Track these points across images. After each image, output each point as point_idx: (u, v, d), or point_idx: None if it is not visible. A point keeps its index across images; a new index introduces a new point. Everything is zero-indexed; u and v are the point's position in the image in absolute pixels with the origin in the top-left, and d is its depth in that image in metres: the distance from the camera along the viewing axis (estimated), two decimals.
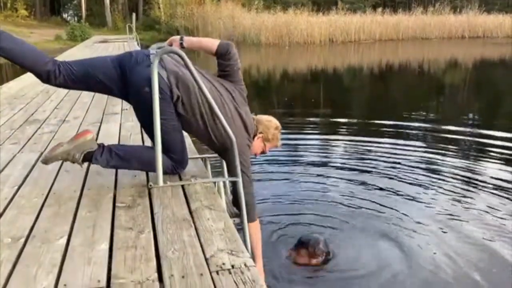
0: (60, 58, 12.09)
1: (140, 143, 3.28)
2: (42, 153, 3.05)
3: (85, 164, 2.46)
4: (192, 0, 36.28)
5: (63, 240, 1.79)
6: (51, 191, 2.35)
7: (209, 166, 2.89)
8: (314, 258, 3.10)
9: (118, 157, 2.35)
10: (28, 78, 7.54)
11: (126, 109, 4.58)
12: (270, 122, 2.67)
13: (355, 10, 35.52)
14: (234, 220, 2.36)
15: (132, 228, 1.90)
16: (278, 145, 2.72)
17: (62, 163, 2.71)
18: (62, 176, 2.56)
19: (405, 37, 32.20)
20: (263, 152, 2.70)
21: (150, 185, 2.35)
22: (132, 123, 3.96)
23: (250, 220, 2.46)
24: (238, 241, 1.79)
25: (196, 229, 1.89)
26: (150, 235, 1.84)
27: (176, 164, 2.48)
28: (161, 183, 2.35)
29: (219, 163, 2.92)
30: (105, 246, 1.75)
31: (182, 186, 2.38)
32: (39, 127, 3.89)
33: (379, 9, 33.83)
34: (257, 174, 4.93)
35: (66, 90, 6.07)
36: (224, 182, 2.77)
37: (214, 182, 2.54)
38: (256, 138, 2.61)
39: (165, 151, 2.35)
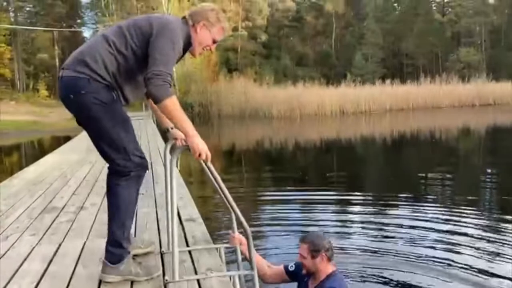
0: (78, 137, 12.30)
1: (156, 232, 3.31)
2: (60, 245, 3.09)
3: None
4: (206, 77, 37.66)
5: None
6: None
7: (223, 256, 2.90)
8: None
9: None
10: (46, 162, 7.76)
11: (142, 194, 4.65)
12: (203, 7, 2.55)
13: (364, 81, 36.44)
14: None
15: None
16: (224, 26, 2.55)
17: (78, 258, 2.75)
18: (79, 271, 2.58)
19: (415, 107, 32.69)
20: (214, 42, 2.54)
21: (166, 280, 2.36)
22: (148, 209, 4.02)
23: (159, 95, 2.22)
24: None
25: None
26: None
27: (121, 167, 2.39)
28: (177, 277, 2.35)
29: (233, 253, 2.94)
30: None
31: (198, 281, 2.38)
32: (57, 216, 3.95)
33: (388, 81, 34.62)
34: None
35: (83, 174, 6.21)
36: (239, 275, 2.76)
37: (230, 276, 2.54)
38: (199, 29, 2.47)
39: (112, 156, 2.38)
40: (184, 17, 2.51)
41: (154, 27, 2.31)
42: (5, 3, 49.08)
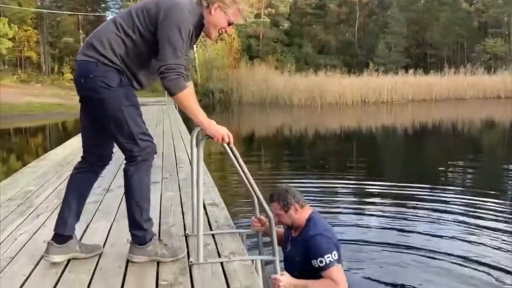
0: None
1: (180, 215, 3.40)
2: (87, 225, 3.20)
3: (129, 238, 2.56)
4: (228, 64, 37.65)
5: None
6: (98, 266, 2.46)
7: (245, 241, 2.97)
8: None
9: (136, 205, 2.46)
10: (71, 145, 7.93)
11: (167, 178, 4.76)
12: None
13: (386, 71, 36.00)
14: None
15: None
16: (240, 8, 2.46)
17: (106, 238, 2.84)
18: (107, 251, 2.68)
19: (438, 98, 32.21)
20: (230, 24, 2.46)
21: (191, 262, 2.44)
22: (173, 193, 4.11)
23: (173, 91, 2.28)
24: None
25: None
26: None
27: (127, 151, 2.44)
28: (201, 259, 2.43)
29: (256, 237, 3.01)
30: None
31: (221, 264, 2.45)
32: None
33: (411, 71, 34.13)
34: None
35: None
36: (261, 260, 2.83)
37: (252, 260, 2.61)
38: (213, 11, 2.40)
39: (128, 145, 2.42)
40: None
41: (161, 9, 2.31)
42: None
